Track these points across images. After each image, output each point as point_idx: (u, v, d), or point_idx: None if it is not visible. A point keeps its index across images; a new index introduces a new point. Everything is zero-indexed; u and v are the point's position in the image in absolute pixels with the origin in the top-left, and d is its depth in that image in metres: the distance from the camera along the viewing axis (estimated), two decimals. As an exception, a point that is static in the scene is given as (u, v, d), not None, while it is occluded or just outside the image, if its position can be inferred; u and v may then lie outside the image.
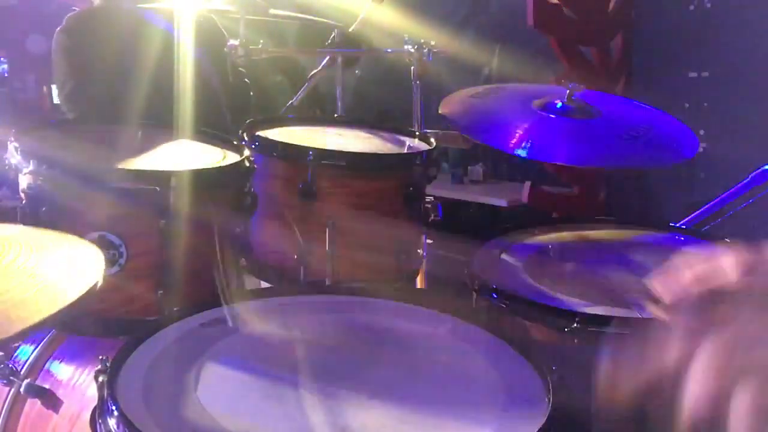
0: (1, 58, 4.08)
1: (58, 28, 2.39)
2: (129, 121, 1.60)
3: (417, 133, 1.94)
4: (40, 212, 1.27)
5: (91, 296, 0.81)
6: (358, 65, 4.02)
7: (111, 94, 2.28)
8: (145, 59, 2.24)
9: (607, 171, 3.54)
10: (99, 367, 0.95)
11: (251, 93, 2.69)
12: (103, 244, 1.28)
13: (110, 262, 1.30)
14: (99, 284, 0.84)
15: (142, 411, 0.91)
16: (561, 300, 1.47)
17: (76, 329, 1.41)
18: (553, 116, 1.76)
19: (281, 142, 1.66)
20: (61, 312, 0.76)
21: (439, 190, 2.94)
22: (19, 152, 1.33)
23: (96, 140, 1.55)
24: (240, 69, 2.61)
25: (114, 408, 0.88)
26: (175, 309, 1.25)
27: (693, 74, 3.49)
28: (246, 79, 2.66)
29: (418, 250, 1.76)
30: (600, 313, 1.40)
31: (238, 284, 1.52)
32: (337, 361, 1.07)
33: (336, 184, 1.59)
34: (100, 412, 0.91)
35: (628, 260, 1.66)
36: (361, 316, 1.24)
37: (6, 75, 4.12)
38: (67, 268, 0.89)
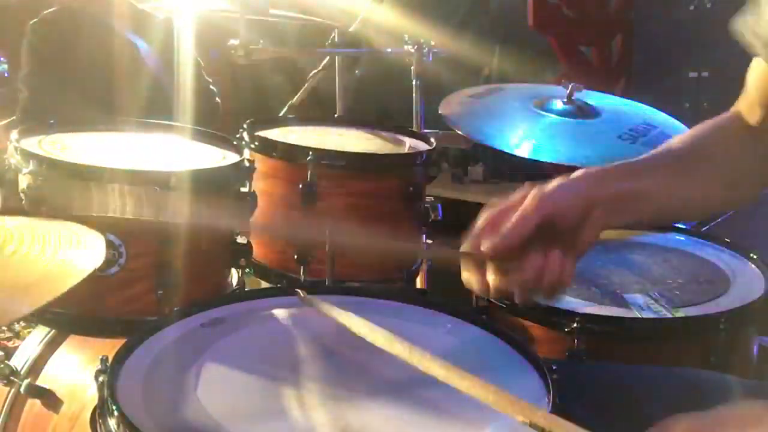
0: (1, 58, 4.07)
1: (32, 21, 2.44)
2: (85, 122, 1.61)
3: (417, 133, 1.94)
4: (40, 212, 1.27)
5: (92, 280, 0.82)
6: (358, 65, 4.01)
7: (65, 93, 2.35)
8: (105, 66, 2.35)
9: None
10: (99, 367, 0.95)
11: (217, 100, 2.71)
12: (103, 244, 1.28)
13: (110, 262, 1.30)
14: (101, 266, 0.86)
15: (142, 411, 0.90)
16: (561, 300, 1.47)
17: (76, 329, 1.41)
18: (553, 116, 1.76)
19: (281, 142, 1.66)
20: (64, 295, 0.77)
21: (439, 190, 2.94)
22: (19, 152, 1.33)
23: (96, 140, 1.55)
24: (206, 77, 2.66)
25: (114, 408, 0.88)
26: (175, 309, 1.25)
27: (693, 74, 3.49)
28: (212, 86, 2.70)
29: (418, 250, 1.76)
30: (600, 313, 1.40)
31: (238, 284, 1.52)
32: (337, 361, 1.07)
33: (336, 184, 1.60)
34: (100, 412, 0.91)
35: (628, 260, 1.66)
36: (361, 316, 1.24)
37: (6, 75, 4.11)
38: (67, 254, 0.89)
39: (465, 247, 0.97)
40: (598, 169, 1.02)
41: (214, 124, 1.70)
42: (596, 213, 0.95)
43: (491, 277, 0.96)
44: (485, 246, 0.94)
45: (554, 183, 0.99)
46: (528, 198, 0.95)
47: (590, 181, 0.99)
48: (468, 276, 0.99)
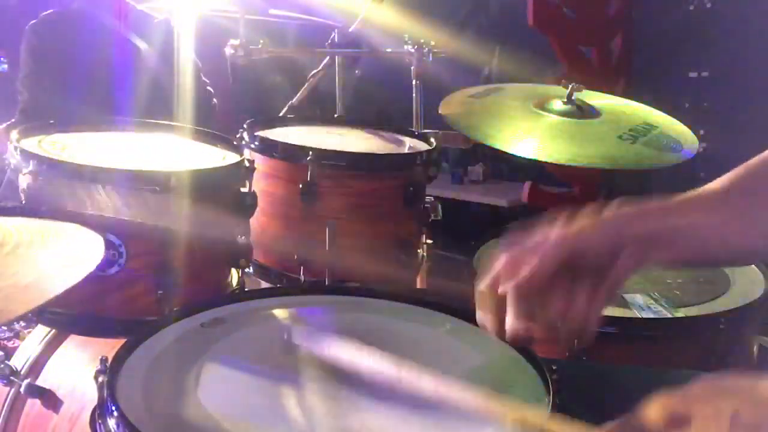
0: (1, 58, 4.07)
1: (31, 22, 2.44)
2: (85, 122, 1.61)
3: (417, 133, 1.94)
4: (40, 212, 1.27)
5: (92, 280, 0.83)
6: (358, 65, 4.01)
7: (65, 94, 2.38)
8: (104, 66, 2.38)
9: (607, 171, 3.55)
10: (99, 367, 0.95)
11: (214, 101, 2.73)
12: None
13: (110, 262, 1.30)
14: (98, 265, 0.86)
15: (142, 411, 0.90)
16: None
17: (76, 329, 1.41)
18: (553, 116, 1.76)
19: (281, 142, 1.66)
20: (64, 294, 0.78)
21: (439, 190, 2.94)
22: (19, 152, 1.33)
23: (96, 140, 1.55)
24: (204, 78, 2.68)
25: (114, 408, 0.88)
26: (175, 309, 1.25)
27: (693, 74, 3.49)
28: (209, 87, 2.71)
29: (418, 250, 1.76)
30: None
31: (238, 284, 1.52)
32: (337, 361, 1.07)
33: (336, 184, 1.60)
34: (100, 413, 0.91)
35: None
36: (361, 316, 1.24)
37: (4, 71, 4.12)
38: (67, 253, 0.90)
39: (482, 286, 0.92)
40: (630, 208, 0.95)
41: (209, 125, 1.70)
42: (629, 249, 0.89)
43: (510, 320, 0.89)
44: (505, 286, 0.88)
45: (581, 221, 0.92)
46: (552, 236, 0.89)
47: (620, 221, 0.92)
48: (483, 317, 0.94)
